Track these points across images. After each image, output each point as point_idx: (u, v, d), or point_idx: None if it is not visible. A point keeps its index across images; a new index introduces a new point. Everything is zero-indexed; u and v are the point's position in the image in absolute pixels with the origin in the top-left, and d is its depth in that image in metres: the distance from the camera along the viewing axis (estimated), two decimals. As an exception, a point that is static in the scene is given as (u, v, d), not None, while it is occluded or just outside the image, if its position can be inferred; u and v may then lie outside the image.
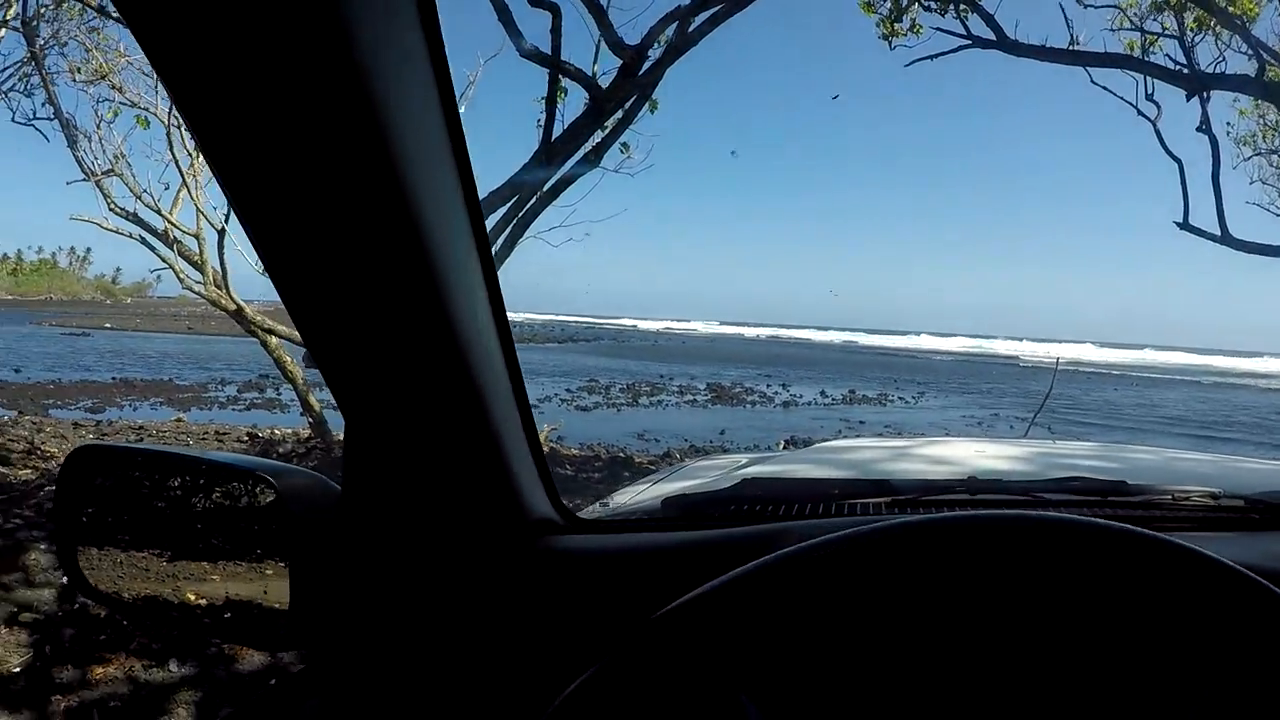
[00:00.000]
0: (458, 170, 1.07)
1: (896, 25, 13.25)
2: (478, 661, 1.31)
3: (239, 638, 1.73)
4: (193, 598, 1.58)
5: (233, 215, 13.93)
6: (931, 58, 13.25)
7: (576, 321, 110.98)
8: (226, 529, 1.59)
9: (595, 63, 9.97)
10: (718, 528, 1.48)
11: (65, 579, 1.53)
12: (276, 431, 17.07)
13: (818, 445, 4.00)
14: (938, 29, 12.84)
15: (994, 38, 12.22)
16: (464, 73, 13.80)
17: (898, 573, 0.99)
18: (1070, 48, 12.45)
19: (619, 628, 1.08)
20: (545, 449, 13.14)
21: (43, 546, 7.56)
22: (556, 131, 9.37)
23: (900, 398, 35.09)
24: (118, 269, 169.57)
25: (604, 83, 9.28)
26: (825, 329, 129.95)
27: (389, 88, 0.93)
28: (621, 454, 16.30)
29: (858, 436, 22.14)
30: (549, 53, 9.08)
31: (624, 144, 11.26)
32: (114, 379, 31.97)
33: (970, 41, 12.60)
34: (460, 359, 1.17)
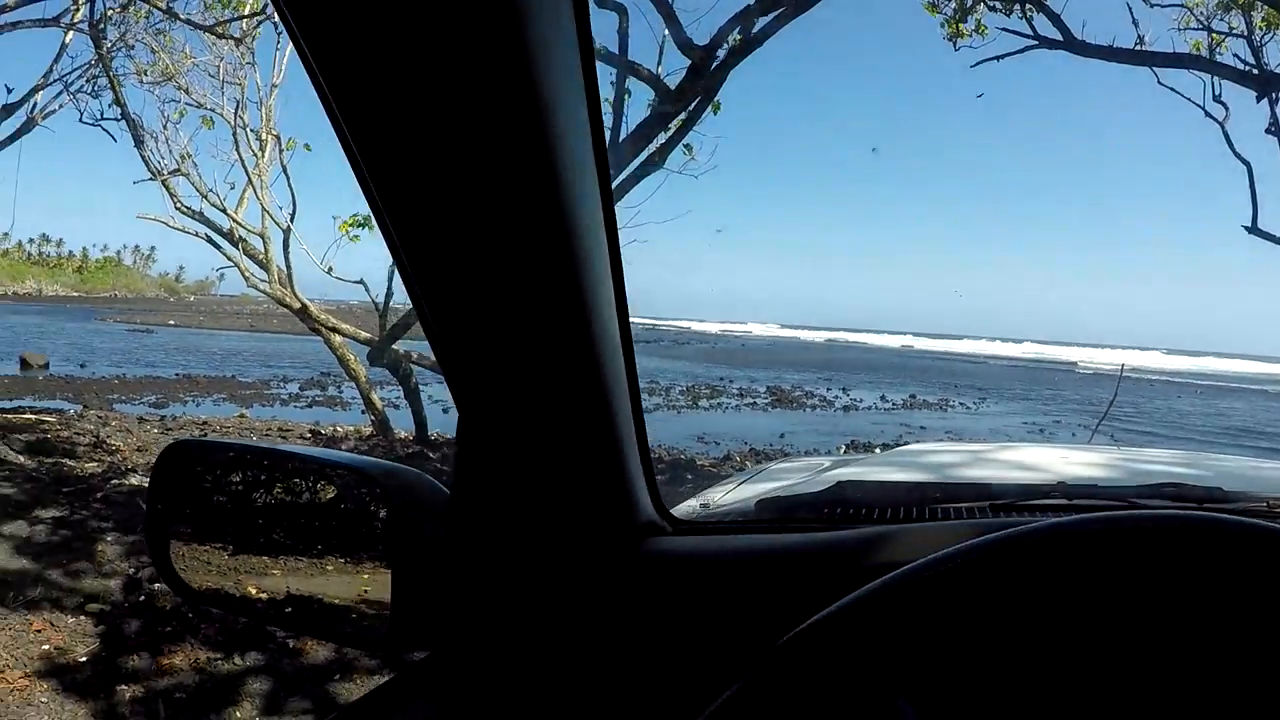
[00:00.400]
0: (598, 171, 1.08)
1: (961, 26, 13.05)
2: (589, 665, 1.29)
3: (337, 637, 1.72)
4: (254, 591, 1.57)
5: (298, 215, 14.10)
6: (998, 59, 12.93)
7: (635, 323, 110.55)
8: (325, 527, 1.58)
9: (659, 64, 9.97)
10: (816, 530, 1.46)
11: (156, 574, 1.50)
12: (339, 429, 17.16)
13: (899, 449, 3.98)
14: (1003, 29, 12.60)
15: (1061, 38, 12.04)
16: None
17: (1068, 572, 0.97)
18: (1136, 48, 12.24)
19: (768, 637, 1.06)
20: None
21: (109, 538, 7.66)
22: (623, 133, 9.38)
23: (961, 403, 34.85)
24: (181, 267, 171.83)
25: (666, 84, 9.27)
26: (880, 332, 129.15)
27: (552, 91, 0.93)
28: (683, 456, 16.28)
29: (919, 442, 22.00)
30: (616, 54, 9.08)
31: (687, 145, 11.22)
32: (177, 375, 32.33)
33: (1037, 42, 12.37)
34: (588, 360, 1.17)
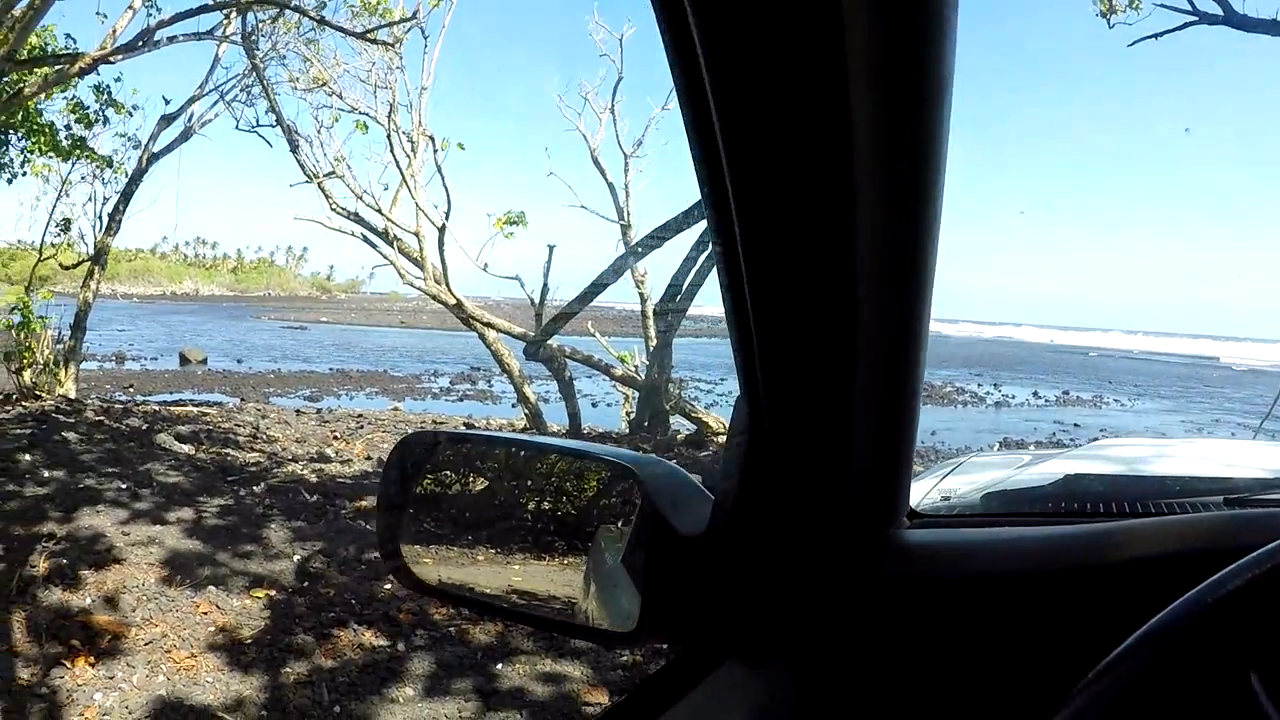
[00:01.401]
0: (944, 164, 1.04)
1: (1115, 1, 12.59)
2: (855, 660, 1.25)
3: (577, 632, 1.72)
4: (487, 585, 1.57)
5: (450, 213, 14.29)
6: (1155, 36, 12.38)
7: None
8: (567, 518, 1.58)
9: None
10: (1050, 523, 1.41)
11: (384, 566, 1.50)
12: (491, 422, 17.33)
13: (1091, 444, 3.92)
14: (1161, 5, 12.10)
15: (1221, 12, 11.57)
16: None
17: None
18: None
19: (1033, 631, 1.10)
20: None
21: (273, 525, 7.81)
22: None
23: (1115, 400, 34.14)
24: (331, 266, 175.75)
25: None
26: (1022, 325, 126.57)
27: (942, 108, 0.92)
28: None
29: (1074, 441, 21.61)
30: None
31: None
32: (331, 370, 33.08)
33: (1196, 18, 11.89)
34: (899, 359, 1.13)
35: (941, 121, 0.94)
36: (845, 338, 1.09)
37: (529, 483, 1.63)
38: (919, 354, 1.15)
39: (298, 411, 17.89)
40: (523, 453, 1.71)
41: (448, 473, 1.70)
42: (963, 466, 3.27)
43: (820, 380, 1.14)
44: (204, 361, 37.35)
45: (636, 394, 16.05)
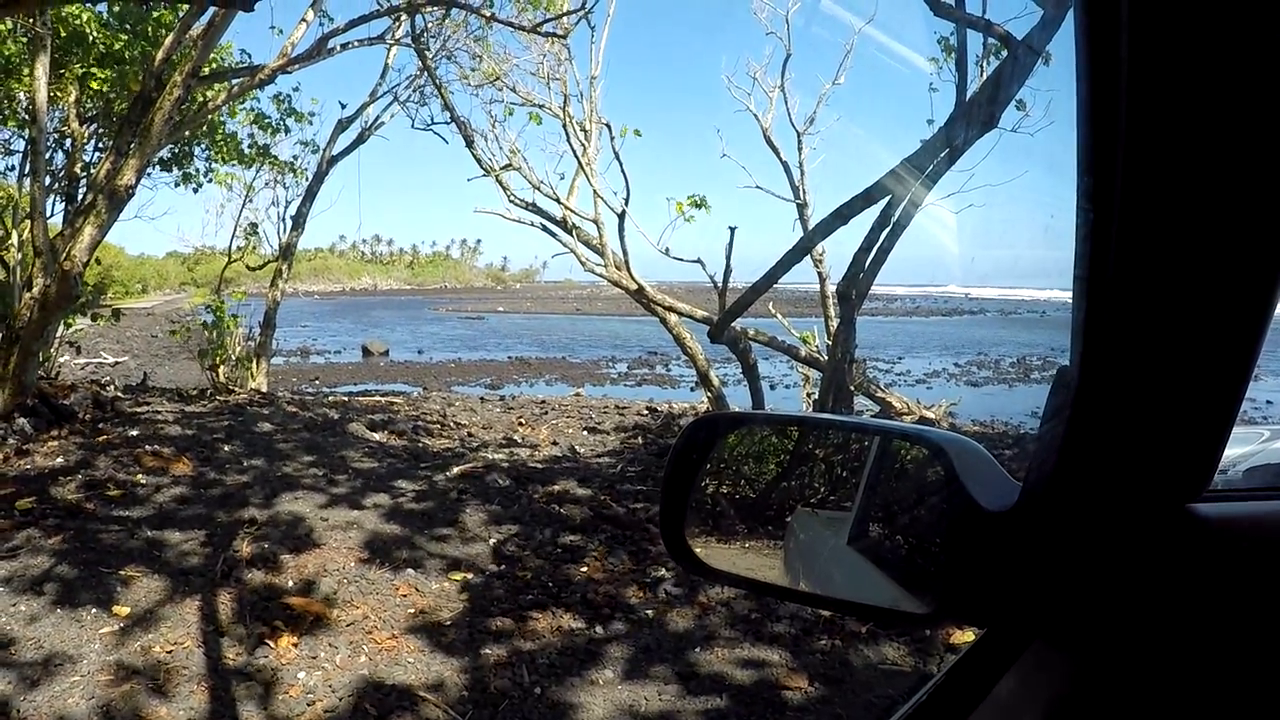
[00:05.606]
0: None
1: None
2: (1162, 640, 1.17)
3: (870, 614, 1.73)
4: (774, 570, 1.55)
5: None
6: None
7: (954, 294, 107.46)
8: (864, 500, 1.54)
9: (984, 11, 9.53)
10: None
11: (665, 548, 1.51)
12: (674, 406, 17.35)
13: None
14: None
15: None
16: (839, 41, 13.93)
17: None
18: None
19: None
20: (945, 424, 12.69)
21: (469, 510, 7.92)
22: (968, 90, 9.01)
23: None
24: (505, 257, 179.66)
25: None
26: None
27: None
28: (1030, 432, 15.74)
29: (1266, 420, 20.92)
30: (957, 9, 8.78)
31: (1020, 101, 10.72)
32: (510, 358, 33.58)
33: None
34: (1248, 347, 1.05)
35: None
36: (1208, 316, 1.02)
37: (822, 462, 1.62)
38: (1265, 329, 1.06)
39: (481, 399, 18.20)
40: (807, 431, 1.68)
41: (741, 453, 1.67)
42: None
43: (1172, 357, 1.07)
44: (386, 353, 38.45)
45: (817, 375, 15.93)
